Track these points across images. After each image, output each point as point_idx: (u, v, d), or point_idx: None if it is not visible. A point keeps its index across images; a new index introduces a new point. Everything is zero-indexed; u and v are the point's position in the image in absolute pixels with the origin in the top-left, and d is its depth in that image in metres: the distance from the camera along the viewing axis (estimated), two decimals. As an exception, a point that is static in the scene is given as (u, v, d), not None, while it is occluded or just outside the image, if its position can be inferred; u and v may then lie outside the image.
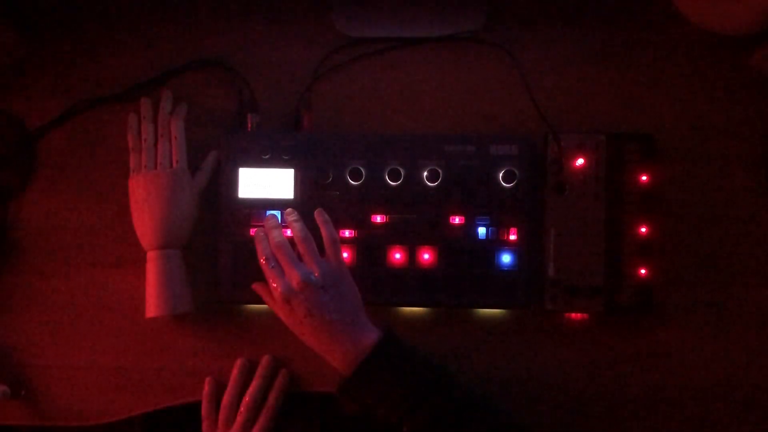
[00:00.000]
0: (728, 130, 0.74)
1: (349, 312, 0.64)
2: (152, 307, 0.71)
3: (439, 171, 0.71)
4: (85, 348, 0.75)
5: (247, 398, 0.70)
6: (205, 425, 0.70)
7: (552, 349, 0.73)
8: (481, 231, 0.72)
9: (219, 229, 0.73)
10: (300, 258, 0.66)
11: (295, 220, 0.68)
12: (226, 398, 0.71)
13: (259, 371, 0.72)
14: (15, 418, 0.75)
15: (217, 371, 0.74)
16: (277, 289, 0.63)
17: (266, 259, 0.65)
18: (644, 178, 0.71)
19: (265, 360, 0.73)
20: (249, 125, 0.75)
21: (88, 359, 0.75)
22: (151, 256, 0.72)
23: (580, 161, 0.72)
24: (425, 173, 0.72)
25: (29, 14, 0.78)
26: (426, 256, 0.72)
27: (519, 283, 0.71)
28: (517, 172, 0.71)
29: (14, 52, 0.78)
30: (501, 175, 0.71)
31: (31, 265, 0.76)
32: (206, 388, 0.72)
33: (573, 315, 0.73)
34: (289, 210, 0.70)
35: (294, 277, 0.63)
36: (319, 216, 0.68)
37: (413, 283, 0.72)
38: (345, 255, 0.72)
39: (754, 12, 0.69)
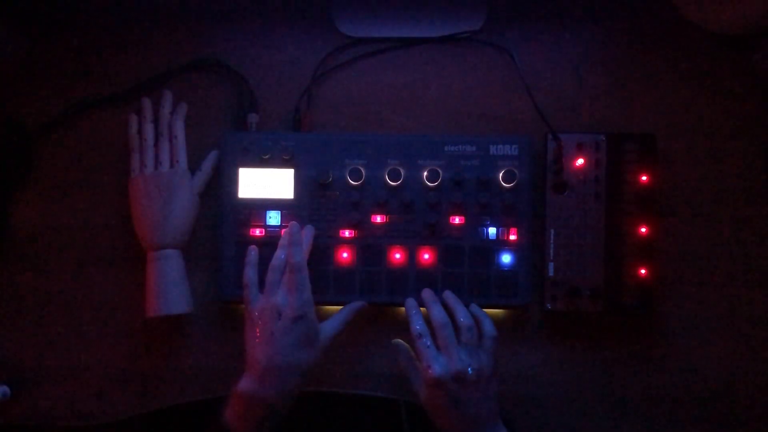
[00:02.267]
0: (728, 130, 0.74)
1: (492, 414, 0.63)
2: (152, 307, 0.71)
3: (439, 171, 0.71)
4: (85, 348, 0.75)
5: (290, 261, 0.67)
6: (247, 292, 0.68)
7: (552, 349, 0.73)
8: (481, 231, 0.72)
9: (219, 229, 0.73)
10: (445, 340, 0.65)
11: (458, 305, 0.68)
12: (275, 261, 0.68)
13: (291, 238, 0.69)
14: (15, 418, 0.75)
15: (218, 371, 0.74)
16: (430, 370, 0.63)
17: (421, 336, 0.65)
18: (644, 178, 0.71)
19: (291, 225, 0.70)
20: (249, 125, 0.75)
21: (88, 359, 0.75)
22: (151, 256, 0.72)
23: (580, 161, 0.72)
24: (425, 173, 0.72)
25: (29, 14, 0.78)
26: (426, 256, 0.72)
27: (519, 283, 0.71)
28: (517, 172, 0.71)
29: (14, 52, 0.78)
30: (501, 175, 0.71)
31: (31, 265, 0.76)
32: (250, 255, 0.70)
33: (573, 315, 0.73)
34: (448, 293, 0.70)
35: (454, 364, 0.62)
36: (477, 310, 0.69)
37: (413, 283, 0.72)
38: (345, 255, 0.72)
39: (754, 12, 0.69)
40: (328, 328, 0.67)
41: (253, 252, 0.71)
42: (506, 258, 0.72)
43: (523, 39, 0.76)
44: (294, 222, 0.71)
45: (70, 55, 0.78)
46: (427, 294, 0.70)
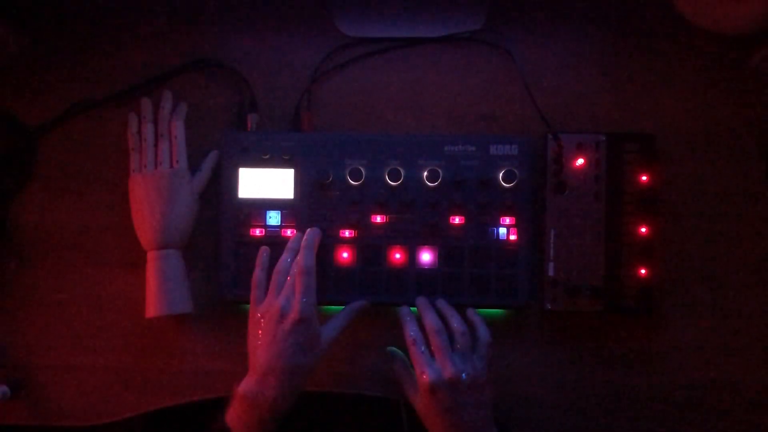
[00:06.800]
0: (728, 130, 0.74)
1: (486, 420, 0.64)
2: (152, 307, 0.71)
3: (439, 171, 0.71)
4: (85, 348, 0.75)
5: (296, 265, 0.68)
6: (254, 293, 0.69)
7: (552, 349, 0.73)
8: (481, 231, 0.72)
9: (219, 229, 0.73)
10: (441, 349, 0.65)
11: (452, 311, 0.68)
12: (281, 264, 0.68)
13: (304, 242, 0.69)
14: (15, 418, 0.75)
15: (218, 371, 0.74)
16: (424, 376, 0.63)
17: (415, 342, 0.65)
18: (644, 178, 0.71)
19: (308, 231, 0.70)
20: (249, 125, 0.75)
21: (88, 359, 0.75)
22: (151, 256, 0.72)
23: (580, 161, 0.72)
24: (425, 173, 0.72)
25: (29, 14, 0.78)
26: (426, 256, 0.72)
27: (519, 283, 0.71)
28: (517, 172, 0.71)
29: (14, 51, 0.78)
30: (501, 175, 0.71)
31: (31, 265, 0.76)
32: (261, 257, 0.70)
33: (573, 315, 0.73)
34: (441, 301, 0.70)
35: (448, 370, 0.62)
36: (473, 315, 0.69)
37: (413, 283, 0.72)
38: (345, 255, 0.72)
39: (754, 12, 0.69)
40: (329, 331, 0.67)
41: (264, 253, 0.71)
42: (506, 258, 0.71)
43: (523, 39, 0.76)
44: (314, 229, 0.71)
45: (70, 55, 0.78)
46: (421, 300, 0.70)
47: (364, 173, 0.71)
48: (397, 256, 0.72)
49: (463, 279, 0.71)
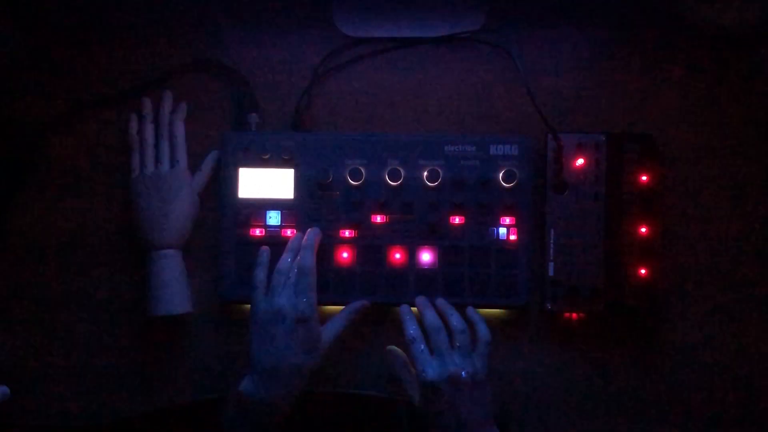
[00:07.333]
0: (728, 131, 0.74)
1: (486, 418, 0.64)
2: (152, 307, 0.71)
3: (439, 171, 0.71)
4: (86, 348, 0.75)
5: (297, 265, 0.68)
6: (255, 292, 0.68)
7: (552, 349, 0.73)
8: (481, 231, 0.72)
9: (219, 229, 0.73)
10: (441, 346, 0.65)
11: (451, 309, 0.68)
12: (281, 264, 0.68)
13: (304, 242, 0.69)
14: (15, 418, 0.75)
15: (218, 371, 0.74)
16: (423, 375, 0.63)
17: (415, 340, 0.65)
18: (644, 178, 0.71)
19: (308, 231, 0.71)
20: (249, 125, 0.75)
21: (88, 359, 0.75)
22: (151, 256, 0.72)
23: (580, 161, 0.72)
24: (425, 173, 0.72)
25: (29, 14, 0.78)
26: (426, 256, 0.72)
27: (519, 283, 0.71)
28: (517, 172, 0.71)
29: (14, 51, 0.78)
30: (501, 175, 0.71)
31: (31, 265, 0.76)
32: (261, 256, 0.70)
33: (573, 315, 0.73)
34: (440, 300, 0.70)
35: (447, 368, 0.63)
36: (473, 314, 0.69)
37: (413, 283, 0.72)
38: (345, 255, 0.72)
39: (754, 12, 0.69)
40: (330, 331, 0.67)
41: (264, 253, 0.71)
42: (506, 258, 0.71)
43: (523, 39, 0.76)
44: (314, 228, 0.71)
45: (71, 55, 0.78)
46: (420, 299, 0.70)
47: (364, 173, 0.71)
48: (397, 256, 0.72)
49: (463, 279, 0.72)
